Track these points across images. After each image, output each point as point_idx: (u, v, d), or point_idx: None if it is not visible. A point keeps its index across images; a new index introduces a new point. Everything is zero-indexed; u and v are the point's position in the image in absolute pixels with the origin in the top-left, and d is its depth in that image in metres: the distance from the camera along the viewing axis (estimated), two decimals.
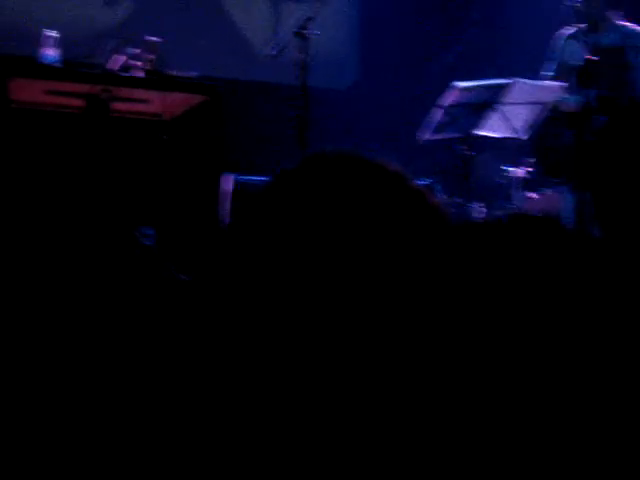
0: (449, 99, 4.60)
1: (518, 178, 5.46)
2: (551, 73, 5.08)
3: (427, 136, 4.75)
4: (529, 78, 4.81)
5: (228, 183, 4.88)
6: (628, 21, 5.03)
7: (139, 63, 4.51)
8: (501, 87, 4.63)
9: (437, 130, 4.70)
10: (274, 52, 4.68)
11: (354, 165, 1.03)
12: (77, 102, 4.39)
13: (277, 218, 1.00)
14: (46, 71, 4.35)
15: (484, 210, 5.18)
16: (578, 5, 4.87)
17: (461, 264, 0.96)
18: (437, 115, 4.66)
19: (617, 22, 4.96)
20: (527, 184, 5.45)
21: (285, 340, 0.97)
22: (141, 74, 4.49)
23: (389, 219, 1.00)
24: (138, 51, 4.52)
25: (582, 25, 4.91)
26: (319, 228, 0.98)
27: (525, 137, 4.79)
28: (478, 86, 4.66)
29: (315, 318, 0.96)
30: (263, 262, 0.99)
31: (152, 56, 4.55)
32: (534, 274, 0.95)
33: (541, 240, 0.98)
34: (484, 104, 4.64)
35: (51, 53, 4.42)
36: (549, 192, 5.48)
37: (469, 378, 0.91)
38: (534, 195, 5.45)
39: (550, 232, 0.99)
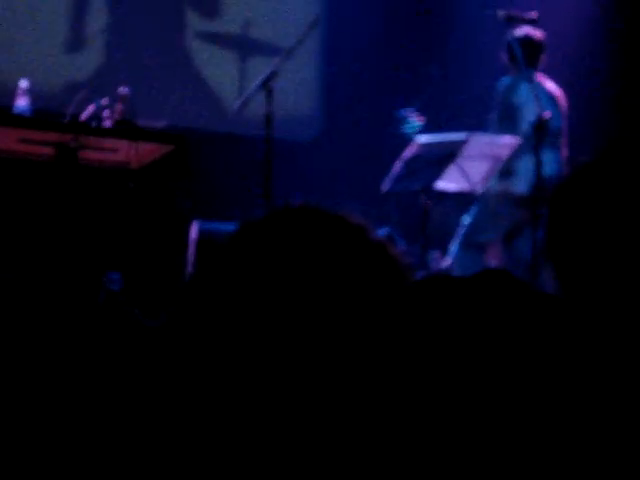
0: (409, 152, 4.74)
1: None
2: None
3: (388, 187, 4.88)
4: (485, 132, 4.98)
5: (192, 230, 4.96)
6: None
7: (108, 113, 4.61)
8: (458, 142, 4.78)
9: (398, 182, 4.83)
10: (239, 104, 4.81)
11: (317, 218, 1.05)
12: (47, 150, 4.48)
13: (240, 269, 1.02)
14: (17, 120, 4.45)
15: (441, 258, 5.31)
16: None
17: (417, 320, 1.01)
18: (398, 168, 4.80)
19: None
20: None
21: (248, 389, 0.98)
22: (110, 124, 4.59)
23: (350, 272, 1.01)
24: (107, 101, 4.62)
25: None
26: (281, 280, 1.00)
27: (481, 191, 4.94)
28: (436, 140, 4.81)
29: (275, 368, 0.98)
30: (225, 312, 1.00)
31: (121, 106, 4.65)
32: (490, 333, 0.98)
33: (496, 296, 1.01)
34: (442, 158, 4.78)
35: (22, 103, 4.52)
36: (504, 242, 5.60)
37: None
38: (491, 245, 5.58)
39: (505, 288, 1.03)
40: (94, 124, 4.55)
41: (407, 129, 4.89)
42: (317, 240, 1.03)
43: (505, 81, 5.22)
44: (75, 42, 6.11)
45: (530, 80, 5.04)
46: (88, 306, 4.51)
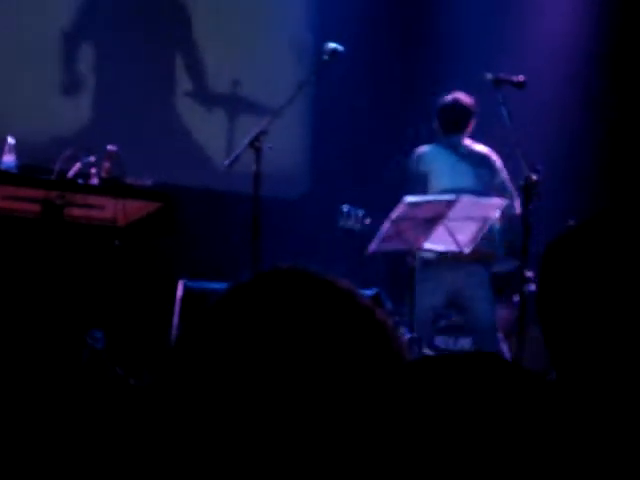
0: (396, 212, 4.74)
1: None
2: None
3: (375, 247, 4.87)
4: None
5: (178, 289, 4.93)
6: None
7: (94, 170, 4.60)
8: (447, 203, 4.78)
9: (384, 242, 4.82)
10: (228, 162, 4.81)
11: (305, 283, 1.05)
12: (33, 207, 4.46)
13: (228, 334, 1.01)
14: (3, 177, 4.44)
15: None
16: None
17: (406, 400, 0.99)
18: (384, 227, 4.79)
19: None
20: None
21: (228, 452, 0.98)
22: (97, 181, 4.58)
23: (338, 338, 1.01)
24: (93, 158, 4.62)
25: None
26: (268, 346, 1.00)
27: (468, 251, 4.93)
28: (425, 201, 4.81)
29: (258, 437, 0.97)
30: (211, 377, 1.00)
31: (108, 164, 4.65)
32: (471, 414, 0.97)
33: (486, 379, 1.01)
34: (430, 219, 4.78)
35: (9, 159, 4.51)
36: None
37: None
38: None
39: (495, 370, 1.02)
40: (81, 181, 4.54)
41: (350, 225, 4.95)
42: (305, 306, 1.02)
43: (417, 151, 5.36)
44: (63, 99, 6.13)
45: (451, 146, 5.25)
46: (71, 364, 4.46)
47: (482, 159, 5.35)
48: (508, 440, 0.95)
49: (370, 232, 4.84)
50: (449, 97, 5.31)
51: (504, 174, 5.34)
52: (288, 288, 1.04)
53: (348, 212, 4.97)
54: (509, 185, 5.30)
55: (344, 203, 5.06)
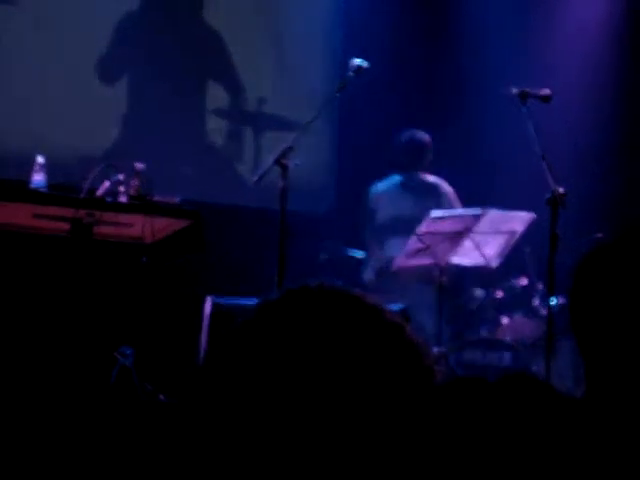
0: (423, 227, 4.74)
1: (489, 302, 5.56)
2: None
3: (400, 262, 4.87)
4: (501, 206, 4.98)
5: (206, 305, 4.94)
6: None
7: (123, 188, 4.63)
8: (473, 217, 4.77)
9: (410, 256, 4.82)
10: (255, 179, 4.83)
11: (334, 300, 1.04)
12: (62, 225, 4.49)
13: (257, 351, 1.01)
14: (32, 195, 4.47)
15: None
16: None
17: (440, 422, 0.99)
18: (411, 242, 4.79)
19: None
20: (499, 309, 5.55)
21: (256, 469, 0.97)
22: (125, 199, 4.61)
23: (367, 355, 1.00)
24: (122, 176, 4.64)
25: None
26: (298, 362, 0.99)
27: (495, 265, 4.92)
28: (451, 215, 4.81)
29: (286, 451, 0.97)
30: (240, 392, 1.00)
31: (136, 181, 4.67)
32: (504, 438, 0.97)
33: (521, 401, 1.01)
34: (456, 232, 4.77)
35: (38, 178, 4.55)
36: (519, 316, 5.58)
37: None
38: (505, 319, 5.55)
39: (529, 392, 1.03)
40: (109, 199, 4.56)
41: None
42: (334, 323, 1.02)
43: (370, 189, 5.70)
44: (92, 117, 6.19)
45: (402, 180, 5.58)
46: (101, 380, 4.48)
47: (428, 189, 5.56)
48: (541, 464, 0.96)
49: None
50: (405, 135, 5.65)
51: (455, 203, 5.51)
52: (316, 305, 1.04)
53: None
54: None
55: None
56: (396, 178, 5.63)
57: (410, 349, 1.03)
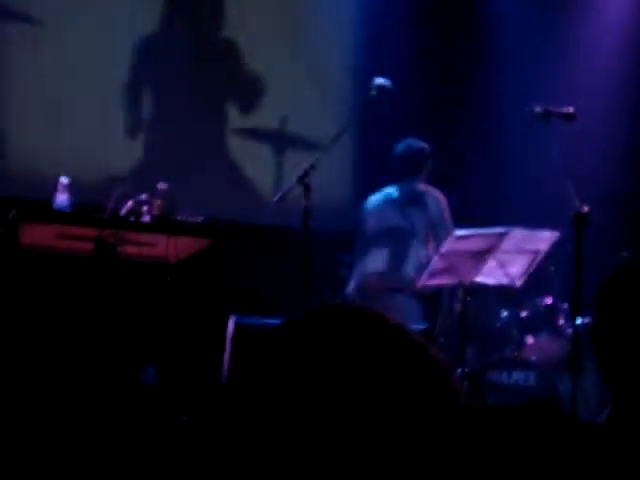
0: (446, 246, 4.72)
1: (514, 321, 5.52)
2: None
3: (423, 281, 4.85)
4: (524, 225, 4.94)
5: (229, 325, 4.94)
6: None
7: (146, 208, 4.64)
8: (497, 235, 4.74)
9: (433, 276, 4.79)
10: (277, 198, 4.83)
11: (356, 319, 1.04)
12: (86, 245, 4.51)
13: (279, 370, 1.01)
14: (56, 216, 4.49)
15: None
16: None
17: (460, 427, 0.98)
18: (434, 261, 4.76)
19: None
20: (524, 328, 5.51)
21: None
22: (148, 218, 4.62)
23: (391, 374, 1.00)
24: (145, 196, 4.66)
25: None
26: (321, 383, 0.99)
27: (519, 284, 4.89)
28: (475, 234, 4.78)
29: (310, 472, 0.96)
30: (263, 413, 0.99)
31: (160, 201, 4.69)
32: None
33: (545, 429, 1.00)
34: (480, 252, 4.74)
35: (62, 198, 4.58)
36: (544, 336, 5.53)
37: None
38: (530, 339, 5.51)
39: (553, 419, 1.03)
40: (133, 219, 4.58)
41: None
42: (358, 343, 1.01)
43: (365, 201, 5.64)
44: (115, 138, 6.22)
45: (391, 190, 5.51)
46: (124, 400, 4.48)
47: (414, 198, 5.49)
48: None
49: None
50: (401, 144, 5.57)
51: (443, 213, 5.44)
52: (339, 325, 1.03)
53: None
54: (444, 223, 5.36)
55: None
56: (387, 189, 5.57)
57: (434, 369, 1.02)
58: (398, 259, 5.33)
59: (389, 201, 5.48)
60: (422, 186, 5.47)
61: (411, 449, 0.96)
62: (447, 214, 5.38)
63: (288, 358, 1.02)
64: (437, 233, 5.27)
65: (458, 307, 5.18)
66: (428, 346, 1.04)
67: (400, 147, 5.54)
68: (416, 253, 5.29)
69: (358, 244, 5.55)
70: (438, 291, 5.28)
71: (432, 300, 5.35)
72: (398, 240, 5.36)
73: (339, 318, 1.04)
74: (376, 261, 5.37)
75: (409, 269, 5.28)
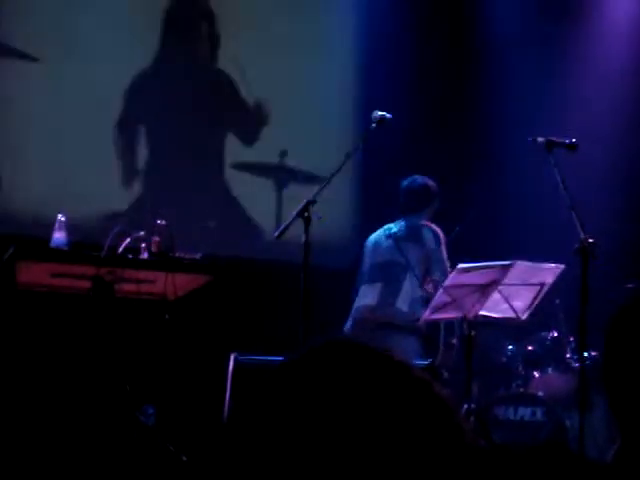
0: (449, 280, 4.65)
1: (520, 356, 5.46)
2: None
3: (427, 316, 4.78)
4: (528, 259, 4.88)
5: (230, 363, 4.87)
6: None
7: (144, 244, 4.59)
8: (501, 268, 4.68)
9: (438, 310, 4.73)
10: (277, 233, 4.77)
11: (358, 355, 1.02)
12: (83, 284, 4.45)
13: (281, 409, 0.99)
14: (53, 254, 4.43)
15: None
16: None
17: (465, 464, 0.96)
18: (438, 295, 4.70)
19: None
20: (530, 363, 5.44)
21: None
22: (146, 255, 4.56)
23: (395, 411, 0.98)
24: (143, 233, 4.61)
25: None
26: (323, 421, 0.97)
27: (524, 317, 4.82)
28: (478, 267, 4.72)
29: None
30: (265, 452, 0.97)
31: (157, 238, 4.64)
32: None
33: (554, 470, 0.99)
34: (484, 285, 4.68)
35: (59, 235, 4.52)
36: (551, 370, 5.47)
37: None
38: (537, 374, 5.44)
39: (562, 461, 1.00)
40: (131, 256, 4.52)
41: None
42: (360, 380, 1.00)
43: (368, 238, 5.61)
44: (112, 176, 6.19)
45: (393, 225, 5.49)
46: (122, 440, 4.41)
47: (411, 233, 5.44)
48: None
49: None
50: (405, 181, 5.55)
51: (441, 247, 5.36)
52: (341, 362, 1.01)
53: None
54: (439, 258, 5.28)
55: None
56: (388, 225, 5.55)
57: (438, 406, 1.00)
58: (391, 293, 5.27)
59: (387, 236, 5.47)
60: (422, 222, 5.42)
61: None
62: (444, 251, 5.30)
63: (289, 397, 0.99)
64: (431, 269, 5.20)
65: (456, 341, 5.13)
66: (432, 383, 1.02)
67: (405, 183, 5.54)
68: (410, 287, 5.23)
69: (357, 281, 5.51)
70: (434, 327, 5.21)
71: (429, 336, 5.28)
72: (391, 274, 5.32)
73: (341, 355, 1.02)
74: (368, 295, 5.33)
75: (401, 303, 5.21)
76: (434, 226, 5.41)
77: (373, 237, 5.56)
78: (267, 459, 0.96)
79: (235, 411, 1.03)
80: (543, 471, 0.97)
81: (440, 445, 0.96)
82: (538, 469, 0.98)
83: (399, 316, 5.19)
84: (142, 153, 6.32)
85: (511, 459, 1.02)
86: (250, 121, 6.56)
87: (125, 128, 6.26)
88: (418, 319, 5.06)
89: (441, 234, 5.37)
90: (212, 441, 1.02)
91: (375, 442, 0.95)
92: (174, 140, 6.35)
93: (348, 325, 5.42)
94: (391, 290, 5.28)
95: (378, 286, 5.34)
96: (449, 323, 5.16)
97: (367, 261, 5.48)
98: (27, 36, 6.01)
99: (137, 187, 6.28)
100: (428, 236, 5.34)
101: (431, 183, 5.50)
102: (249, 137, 6.58)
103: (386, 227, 5.53)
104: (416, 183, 5.49)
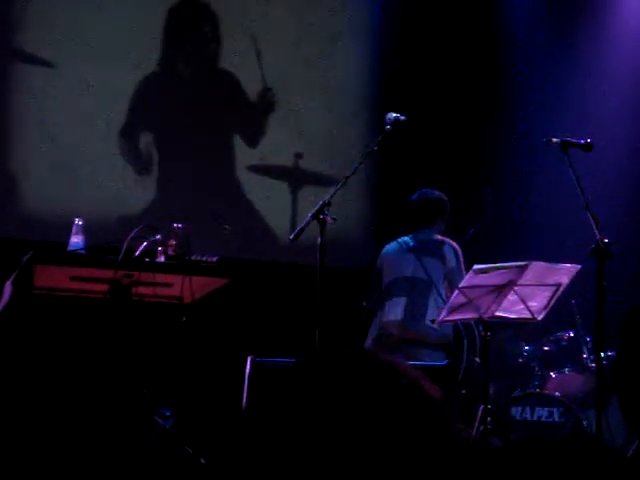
0: (465, 281, 4.66)
1: (536, 356, 5.45)
2: None
3: (443, 317, 4.78)
4: (544, 259, 4.88)
5: (247, 365, 4.88)
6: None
7: (161, 248, 4.61)
8: (517, 269, 4.68)
9: (453, 311, 4.73)
10: (292, 236, 4.78)
11: (367, 366, 1.06)
12: (101, 287, 4.48)
13: (295, 411, 1.02)
14: (70, 258, 4.46)
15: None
16: None
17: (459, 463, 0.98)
18: (453, 296, 4.71)
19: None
20: (547, 363, 5.44)
21: None
22: (163, 259, 4.58)
23: (386, 402, 1.02)
24: (160, 237, 4.63)
25: None
26: (334, 423, 1.00)
27: (540, 318, 4.81)
28: (494, 268, 4.71)
29: None
30: (280, 452, 1.01)
31: (174, 241, 4.66)
32: None
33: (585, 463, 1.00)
34: (500, 285, 4.68)
35: (76, 240, 4.54)
36: (568, 371, 5.46)
37: None
38: (554, 374, 5.43)
39: (593, 454, 1.01)
40: (148, 260, 4.54)
41: None
42: (369, 389, 1.04)
43: (382, 250, 5.57)
44: (128, 180, 6.21)
45: (409, 239, 5.46)
46: (141, 443, 4.43)
47: (431, 248, 5.43)
48: None
49: None
50: (416, 194, 5.54)
51: (459, 262, 5.38)
52: (352, 371, 1.05)
53: None
54: (461, 275, 5.24)
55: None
56: (403, 239, 5.52)
57: (425, 400, 1.05)
58: (417, 309, 5.24)
59: (405, 250, 5.43)
60: (439, 237, 5.41)
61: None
62: (462, 265, 5.32)
63: (303, 400, 1.03)
64: (453, 285, 5.20)
65: (478, 361, 5.13)
66: (421, 380, 1.07)
67: (414, 197, 5.53)
68: (435, 304, 5.21)
69: (375, 295, 5.47)
70: (458, 345, 5.20)
71: (454, 354, 5.27)
72: (416, 290, 5.29)
73: (352, 363, 1.06)
74: (395, 310, 5.28)
75: (428, 320, 5.18)
76: (452, 242, 5.42)
77: (389, 250, 5.51)
78: (281, 457, 1.00)
79: (251, 412, 1.14)
80: (579, 465, 0.99)
81: (427, 433, 1.01)
82: (574, 463, 0.99)
83: (429, 333, 5.16)
84: (152, 157, 6.34)
85: (542, 453, 1.02)
86: (255, 122, 6.56)
87: (132, 132, 6.28)
88: (445, 335, 5.08)
89: (459, 249, 5.39)
90: (230, 442, 1.04)
91: (380, 442, 0.99)
92: (188, 144, 6.37)
93: (370, 340, 5.35)
94: (417, 306, 5.26)
95: (403, 301, 5.30)
96: (472, 342, 5.15)
97: (387, 275, 5.43)
98: (44, 42, 6.06)
99: (153, 191, 6.31)
100: (449, 253, 5.34)
101: (440, 196, 5.51)
102: (253, 139, 6.58)
103: (402, 240, 5.48)
104: (426, 198, 5.49)
